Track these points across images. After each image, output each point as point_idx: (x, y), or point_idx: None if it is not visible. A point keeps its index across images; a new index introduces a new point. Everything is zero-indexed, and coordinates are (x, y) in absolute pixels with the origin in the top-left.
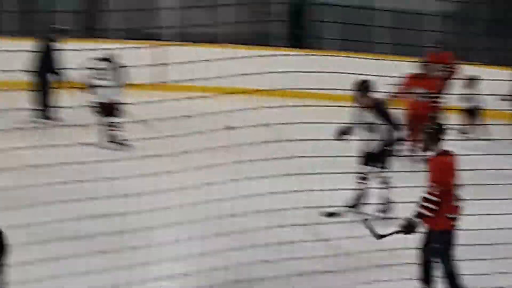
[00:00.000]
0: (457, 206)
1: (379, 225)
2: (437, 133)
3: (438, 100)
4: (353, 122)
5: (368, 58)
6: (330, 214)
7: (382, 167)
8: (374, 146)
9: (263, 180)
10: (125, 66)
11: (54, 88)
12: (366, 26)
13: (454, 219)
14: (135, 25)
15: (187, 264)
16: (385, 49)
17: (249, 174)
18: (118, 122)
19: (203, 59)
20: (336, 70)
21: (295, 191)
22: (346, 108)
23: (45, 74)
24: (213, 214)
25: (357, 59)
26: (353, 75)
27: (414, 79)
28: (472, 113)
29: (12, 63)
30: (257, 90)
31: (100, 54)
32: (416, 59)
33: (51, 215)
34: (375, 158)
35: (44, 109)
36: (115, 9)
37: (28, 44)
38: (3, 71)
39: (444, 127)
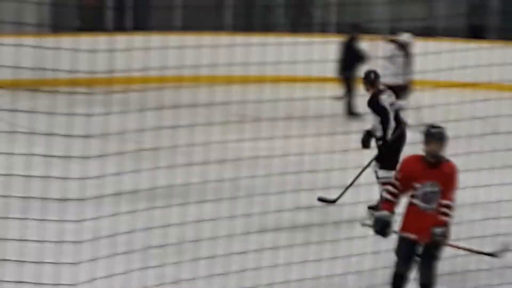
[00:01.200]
0: None
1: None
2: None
3: None
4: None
5: None
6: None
7: (380, 167)
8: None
9: (479, 173)
10: (413, 55)
11: (354, 83)
12: None
13: None
14: (348, 19)
15: None
16: None
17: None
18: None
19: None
20: None
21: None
22: None
23: (349, 69)
24: None
25: None
26: None
27: None
28: None
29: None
30: (475, 84)
31: (394, 42)
32: None
33: (269, 206)
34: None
35: (347, 103)
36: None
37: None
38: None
39: None
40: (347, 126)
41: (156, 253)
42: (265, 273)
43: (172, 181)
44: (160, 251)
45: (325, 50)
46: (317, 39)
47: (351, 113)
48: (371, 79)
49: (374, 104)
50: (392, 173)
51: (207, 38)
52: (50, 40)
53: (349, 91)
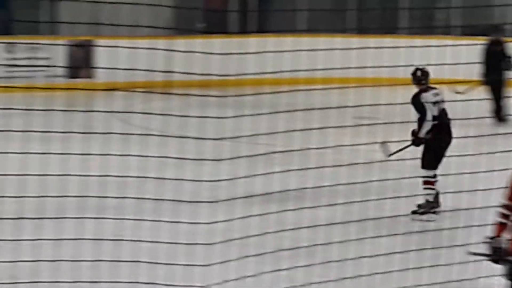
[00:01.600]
0: None
1: None
2: None
3: None
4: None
5: None
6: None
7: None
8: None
9: None
10: None
11: (501, 87)
12: None
13: None
14: (474, 21)
15: None
16: None
17: None
18: None
19: None
20: None
21: None
22: None
23: (494, 74)
24: None
25: None
26: None
27: None
28: None
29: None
30: None
31: None
32: None
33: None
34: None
35: (496, 107)
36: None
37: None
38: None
39: None
40: (494, 130)
41: (287, 255)
42: (396, 276)
43: (304, 183)
44: (292, 254)
45: (455, 52)
46: (448, 41)
47: (499, 118)
48: (417, 77)
49: (415, 101)
50: (432, 173)
51: (338, 40)
52: (180, 43)
53: (496, 96)
